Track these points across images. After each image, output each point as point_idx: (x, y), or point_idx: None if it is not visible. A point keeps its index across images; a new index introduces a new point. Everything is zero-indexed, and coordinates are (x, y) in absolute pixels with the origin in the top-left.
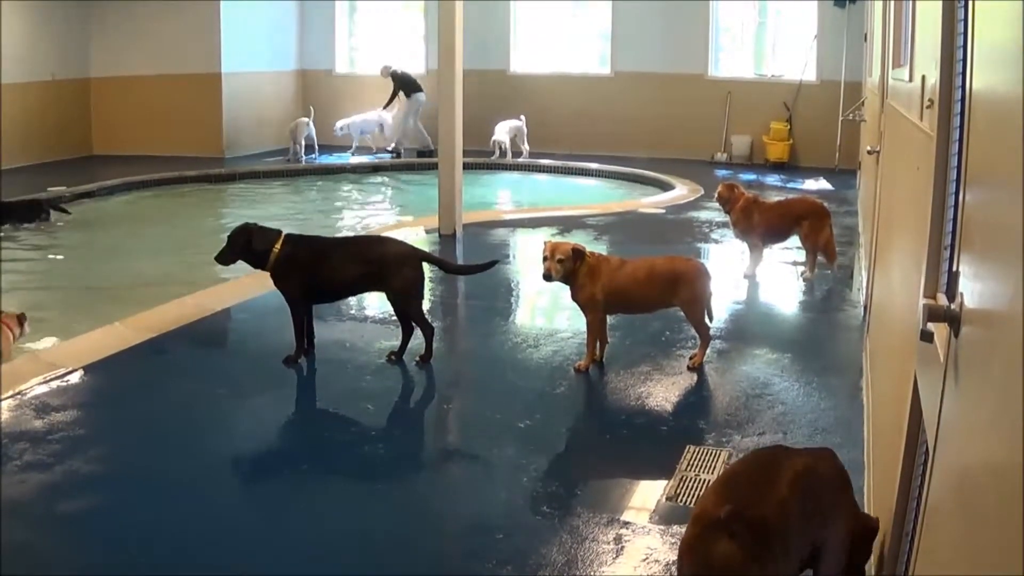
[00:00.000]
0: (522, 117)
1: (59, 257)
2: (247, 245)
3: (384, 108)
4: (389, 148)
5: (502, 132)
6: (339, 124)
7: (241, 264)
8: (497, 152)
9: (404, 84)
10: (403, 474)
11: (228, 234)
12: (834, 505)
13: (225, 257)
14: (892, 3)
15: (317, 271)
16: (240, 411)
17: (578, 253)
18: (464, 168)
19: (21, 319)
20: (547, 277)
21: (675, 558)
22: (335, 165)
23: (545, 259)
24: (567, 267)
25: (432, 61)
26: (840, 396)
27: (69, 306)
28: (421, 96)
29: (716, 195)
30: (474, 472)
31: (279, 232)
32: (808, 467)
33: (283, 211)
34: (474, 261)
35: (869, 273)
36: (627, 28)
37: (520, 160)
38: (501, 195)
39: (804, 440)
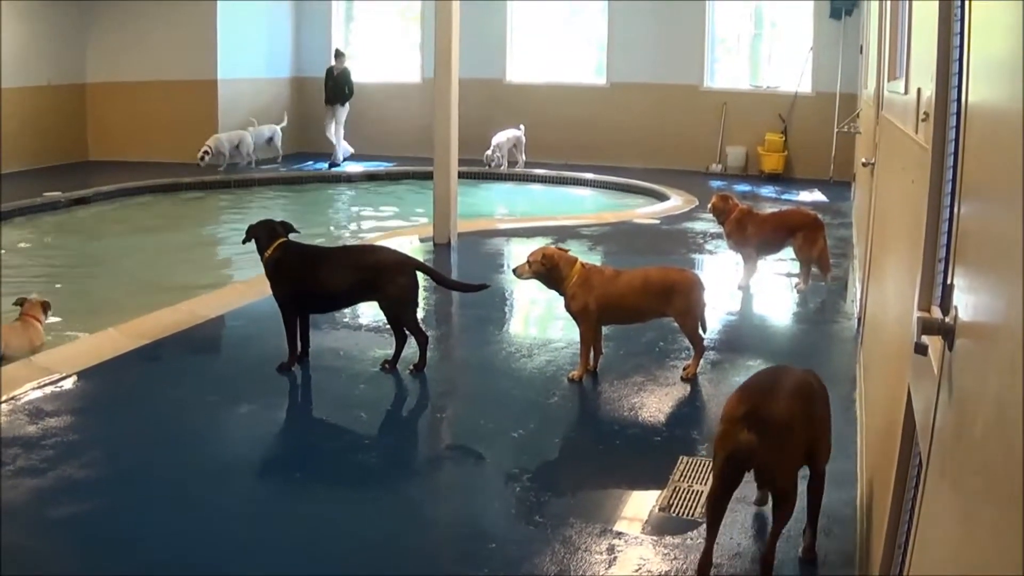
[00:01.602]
0: (521, 127)
1: (54, 262)
2: (255, 239)
3: (327, 104)
4: (336, 161)
5: (499, 144)
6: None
7: (234, 270)
8: (490, 165)
9: (344, 88)
10: (396, 482)
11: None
12: (823, 415)
13: (245, 241)
14: (888, 15)
15: (308, 278)
16: (233, 418)
17: (548, 259)
18: (459, 177)
19: (45, 307)
20: (514, 272)
21: (667, 569)
22: (331, 173)
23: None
24: (536, 269)
25: (428, 69)
26: (833, 408)
27: (63, 312)
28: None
29: (710, 206)
30: (467, 481)
31: (279, 237)
32: (806, 381)
33: (277, 218)
34: (468, 276)
35: (863, 285)
36: (623, 39)
37: (516, 170)
38: (496, 205)
39: None
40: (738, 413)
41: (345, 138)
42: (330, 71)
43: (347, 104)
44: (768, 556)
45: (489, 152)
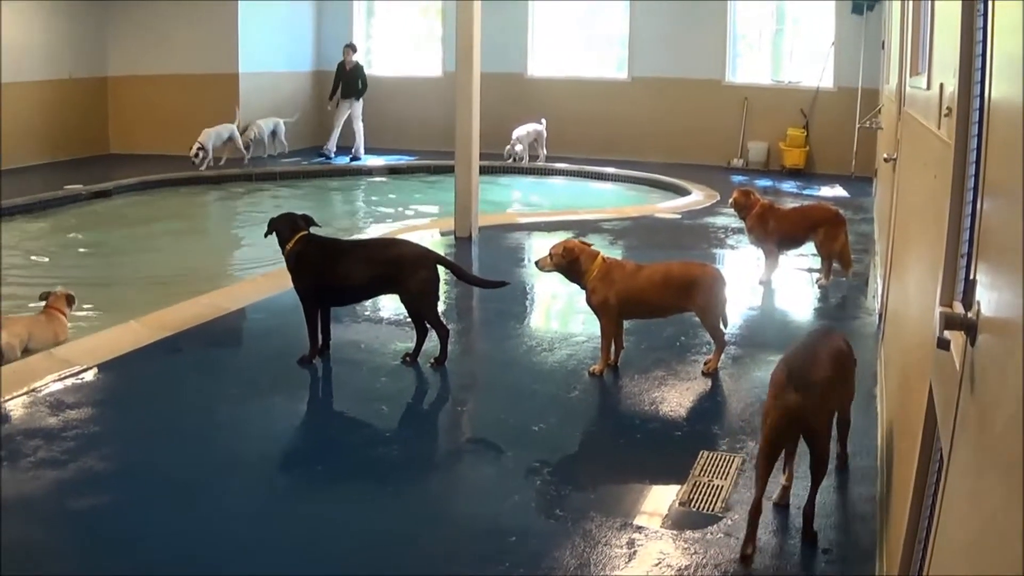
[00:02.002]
0: (543, 121)
1: (75, 255)
2: (276, 232)
3: (330, 99)
4: (324, 151)
5: (519, 137)
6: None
7: (256, 263)
8: (513, 160)
9: (359, 82)
10: (416, 476)
11: (272, 216)
12: (851, 376)
13: (267, 234)
14: (910, 11)
15: (329, 271)
16: (254, 411)
17: (569, 251)
18: (480, 171)
19: (70, 300)
20: (537, 264)
21: (687, 564)
22: (352, 166)
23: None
24: (558, 262)
25: (449, 64)
26: (854, 404)
27: (85, 304)
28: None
29: (731, 201)
30: (487, 475)
31: (301, 230)
32: (841, 348)
33: (298, 212)
34: (488, 270)
35: (884, 281)
36: (644, 33)
37: (537, 164)
38: (517, 198)
39: None
40: (784, 378)
41: (336, 134)
42: (341, 65)
43: (362, 99)
44: (808, 508)
45: (510, 146)
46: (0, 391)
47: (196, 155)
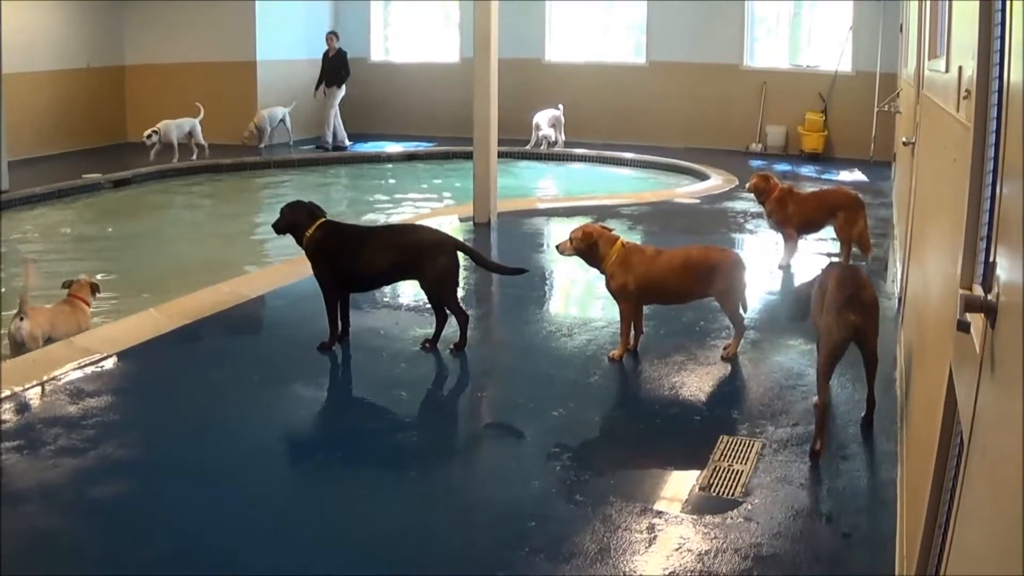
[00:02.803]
0: (560, 106)
1: (94, 244)
2: (292, 221)
3: (316, 88)
4: (321, 143)
5: (544, 123)
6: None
7: (275, 250)
8: (544, 145)
9: (342, 70)
10: (436, 462)
11: (282, 206)
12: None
13: (277, 227)
14: None
15: (349, 258)
16: (274, 398)
17: (587, 236)
18: (499, 157)
19: (94, 288)
20: (557, 248)
21: (707, 548)
22: (370, 153)
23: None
24: (577, 246)
25: (467, 50)
26: (874, 387)
27: (104, 292)
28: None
29: (750, 186)
30: (507, 460)
31: (319, 217)
32: (866, 274)
33: (318, 200)
34: (508, 256)
35: (904, 264)
36: (662, 18)
37: (555, 150)
38: (536, 184)
39: (838, 432)
40: (845, 300)
41: (345, 123)
42: (325, 54)
43: (343, 87)
44: (870, 397)
45: (536, 132)
46: (0, 383)
47: (149, 137)
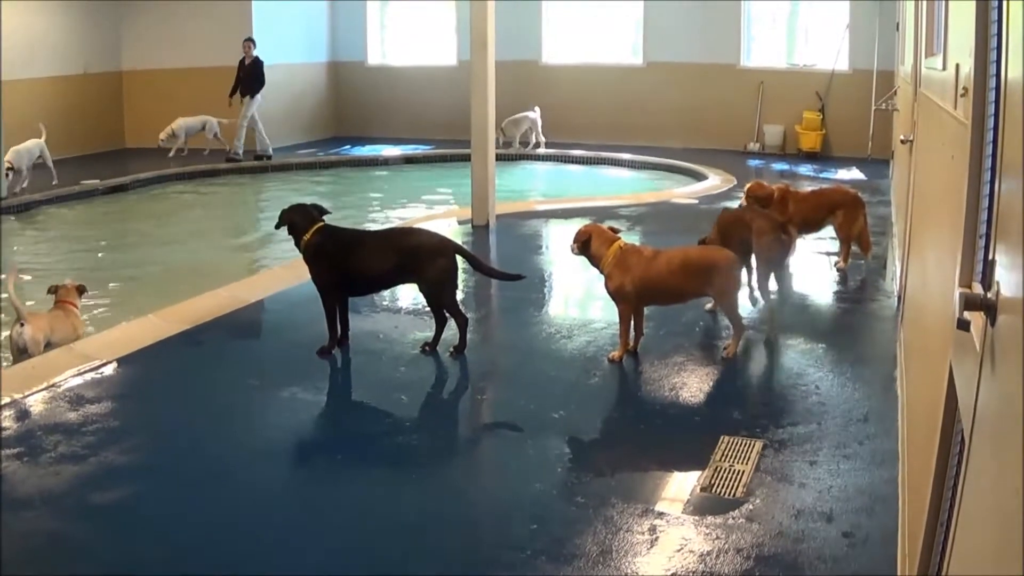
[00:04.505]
0: (536, 109)
1: (92, 249)
2: (291, 224)
3: (230, 96)
4: (232, 153)
5: (504, 127)
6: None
7: (274, 254)
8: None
9: (259, 77)
10: (437, 464)
11: (283, 208)
12: None
13: (278, 226)
14: None
15: (347, 262)
16: (274, 402)
17: (582, 234)
18: (496, 159)
19: (81, 291)
20: (571, 249)
21: (709, 549)
22: (367, 156)
23: None
24: (580, 245)
25: (464, 52)
26: (874, 386)
27: (103, 299)
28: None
29: (747, 194)
30: (508, 462)
31: (317, 221)
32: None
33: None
34: (506, 258)
35: (903, 263)
36: (659, 18)
37: (552, 151)
38: (534, 186)
39: (838, 430)
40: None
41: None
42: (241, 62)
43: (258, 96)
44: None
45: (503, 137)
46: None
47: (7, 175)
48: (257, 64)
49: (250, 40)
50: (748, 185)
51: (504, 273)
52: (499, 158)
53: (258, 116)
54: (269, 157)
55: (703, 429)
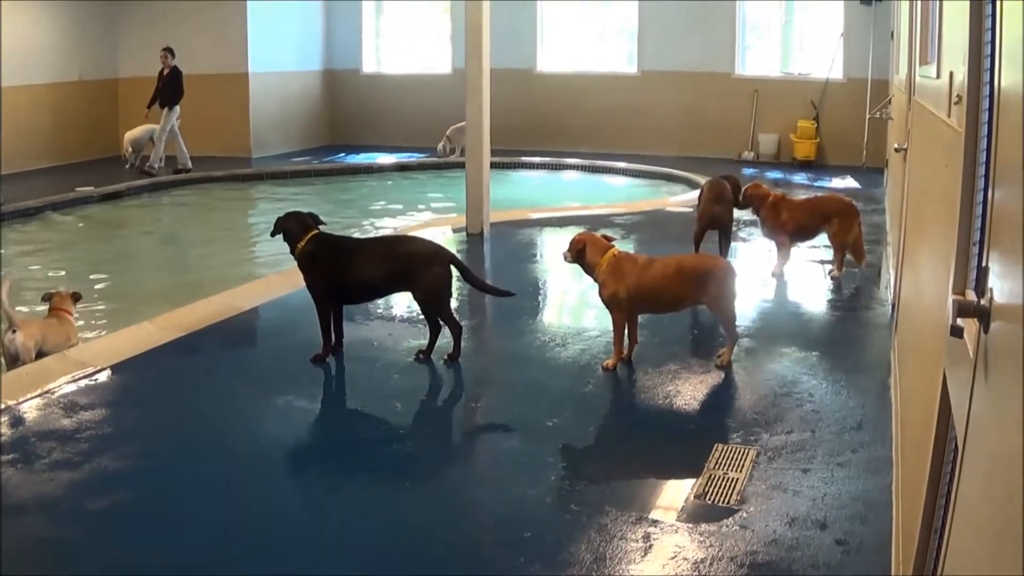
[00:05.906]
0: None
1: (87, 257)
2: (285, 231)
3: (148, 108)
4: (148, 167)
5: (449, 135)
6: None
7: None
8: (444, 153)
9: (178, 88)
10: (431, 471)
11: (278, 216)
12: None
13: (273, 234)
14: (919, 0)
15: (341, 271)
16: (268, 409)
17: (575, 243)
18: (491, 167)
19: (75, 298)
20: (565, 257)
21: (703, 557)
22: (362, 164)
23: None
24: (574, 254)
25: (459, 60)
26: (868, 394)
27: (98, 306)
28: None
29: (743, 196)
30: (502, 470)
31: (311, 229)
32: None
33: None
34: (501, 266)
35: (897, 271)
36: (654, 27)
37: (547, 160)
38: (528, 194)
39: (832, 438)
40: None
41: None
42: (160, 72)
43: (177, 107)
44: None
45: (441, 145)
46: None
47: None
48: (175, 74)
49: (168, 50)
50: (746, 186)
51: (495, 288)
52: (493, 166)
53: (178, 128)
54: (188, 170)
55: (697, 437)
